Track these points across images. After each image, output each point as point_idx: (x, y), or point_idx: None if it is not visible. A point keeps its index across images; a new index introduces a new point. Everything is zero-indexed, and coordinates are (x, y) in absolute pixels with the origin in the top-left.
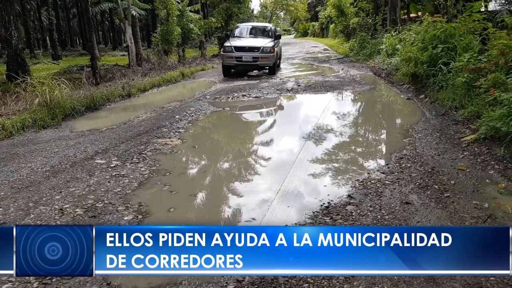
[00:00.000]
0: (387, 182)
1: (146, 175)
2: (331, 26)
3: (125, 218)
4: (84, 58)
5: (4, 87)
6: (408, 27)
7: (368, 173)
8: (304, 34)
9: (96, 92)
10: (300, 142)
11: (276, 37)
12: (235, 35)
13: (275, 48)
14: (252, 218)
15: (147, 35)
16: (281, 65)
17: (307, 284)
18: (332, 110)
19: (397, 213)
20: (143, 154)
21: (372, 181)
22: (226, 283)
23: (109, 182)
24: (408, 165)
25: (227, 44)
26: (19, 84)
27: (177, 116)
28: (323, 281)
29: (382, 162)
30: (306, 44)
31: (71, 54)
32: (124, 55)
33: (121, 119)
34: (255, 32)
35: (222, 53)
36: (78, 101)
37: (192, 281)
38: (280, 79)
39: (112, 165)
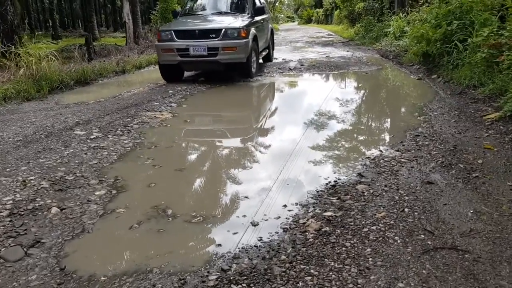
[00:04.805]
0: (403, 160)
1: (129, 148)
2: (336, 12)
3: (97, 193)
4: (84, 39)
5: None
6: (417, 9)
7: (381, 151)
8: (308, 21)
9: (88, 66)
10: (302, 122)
11: (256, 11)
12: (187, 13)
13: (250, 30)
14: (245, 197)
15: (147, 13)
16: (283, 47)
17: (310, 277)
18: (338, 89)
19: (419, 193)
20: (128, 126)
21: (386, 159)
22: (208, 272)
23: (85, 154)
24: (426, 143)
25: (164, 28)
26: (5, 54)
27: (170, 91)
28: (331, 273)
29: (395, 140)
30: (310, 30)
31: (72, 35)
32: (124, 36)
33: (112, 94)
34: (218, 5)
35: (156, 44)
36: (68, 75)
37: (164, 269)
38: (283, 59)
39: (92, 137)
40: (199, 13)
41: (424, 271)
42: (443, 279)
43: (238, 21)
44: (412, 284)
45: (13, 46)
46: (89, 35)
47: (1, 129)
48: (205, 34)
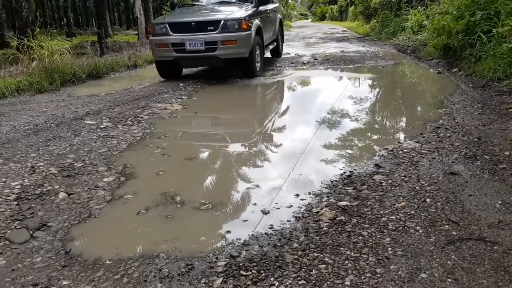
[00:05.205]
0: (423, 151)
1: (138, 138)
2: (351, 8)
3: (105, 180)
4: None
5: (13, 59)
6: (437, 2)
7: (399, 142)
8: (322, 18)
9: (100, 61)
10: (318, 115)
11: (261, 0)
12: (186, 3)
13: (254, 21)
14: (256, 186)
15: (160, 9)
16: (296, 43)
17: (324, 265)
18: (354, 83)
19: (441, 184)
20: (138, 117)
21: (405, 150)
22: (216, 258)
23: (95, 142)
24: (448, 134)
25: (157, 20)
26: (19, 48)
27: (181, 84)
28: (347, 262)
29: (414, 131)
30: (324, 27)
31: (86, 33)
32: (137, 34)
33: (123, 87)
34: None
35: (150, 38)
36: (80, 68)
37: (171, 254)
38: (296, 54)
39: (102, 126)
40: (198, 3)
41: (449, 262)
42: (470, 270)
43: (239, 12)
44: (436, 275)
45: (25, 39)
46: (101, 30)
47: (13, 118)
48: (202, 26)
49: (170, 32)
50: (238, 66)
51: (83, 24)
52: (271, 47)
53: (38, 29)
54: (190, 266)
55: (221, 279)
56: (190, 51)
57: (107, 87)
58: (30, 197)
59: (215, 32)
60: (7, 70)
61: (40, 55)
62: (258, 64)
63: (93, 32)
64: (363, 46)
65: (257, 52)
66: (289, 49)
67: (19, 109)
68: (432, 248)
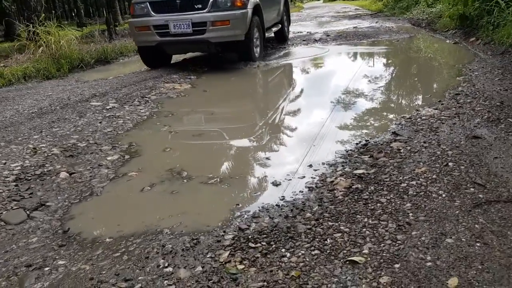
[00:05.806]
0: (443, 117)
1: (145, 117)
2: None
3: (109, 158)
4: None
5: (23, 49)
6: None
7: (417, 110)
8: None
9: (109, 46)
10: (335, 87)
11: None
12: None
13: None
14: (266, 158)
15: None
16: (308, 23)
17: (340, 234)
18: (369, 56)
19: (464, 148)
20: (146, 97)
21: (423, 118)
22: (224, 231)
23: (100, 122)
24: (468, 100)
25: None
26: (28, 36)
27: (190, 65)
28: (365, 230)
29: (433, 99)
30: (336, 6)
31: (96, 22)
32: None
33: (132, 71)
34: None
35: (130, 20)
36: (88, 54)
37: (176, 230)
38: (308, 32)
39: (108, 107)
40: None
41: (477, 225)
42: (501, 234)
43: None
44: (463, 239)
45: (31, 25)
46: (109, 16)
47: (17, 103)
48: (189, 4)
49: (152, 13)
50: (234, 51)
51: (94, 15)
52: (274, 29)
53: (43, 15)
54: (195, 241)
55: (228, 252)
56: (175, 35)
57: (116, 71)
58: (29, 178)
59: (204, 10)
60: (14, 58)
61: (46, 42)
62: (258, 49)
63: (102, 22)
64: (376, 22)
65: (256, 35)
66: (301, 28)
67: (24, 94)
68: (457, 212)
